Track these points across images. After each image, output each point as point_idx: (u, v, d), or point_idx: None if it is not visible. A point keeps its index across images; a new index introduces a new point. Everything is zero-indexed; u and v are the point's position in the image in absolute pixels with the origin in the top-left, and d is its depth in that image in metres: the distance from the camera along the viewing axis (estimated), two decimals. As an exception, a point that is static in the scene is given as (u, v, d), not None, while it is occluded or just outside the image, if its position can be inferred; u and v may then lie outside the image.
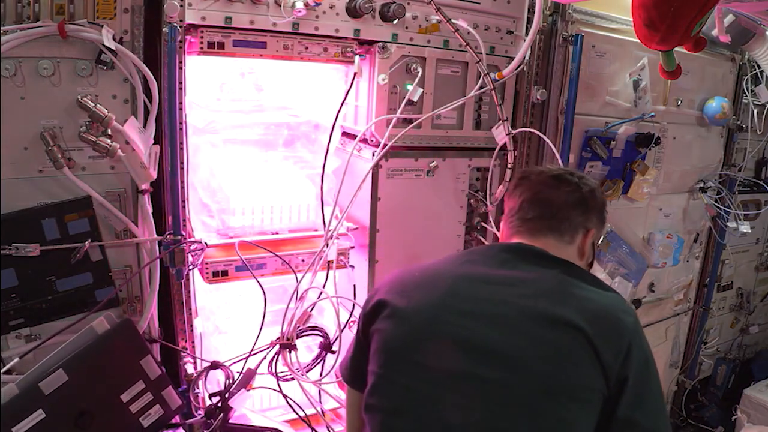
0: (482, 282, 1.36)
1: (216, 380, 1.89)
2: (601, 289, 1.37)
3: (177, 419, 1.75)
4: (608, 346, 1.22)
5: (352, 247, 2.04)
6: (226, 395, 1.78)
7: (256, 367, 1.85)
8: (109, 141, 1.58)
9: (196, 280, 1.90)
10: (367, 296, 1.53)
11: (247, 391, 1.83)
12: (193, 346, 1.87)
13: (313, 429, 1.97)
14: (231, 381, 1.81)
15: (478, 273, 1.39)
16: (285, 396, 1.89)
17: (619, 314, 1.29)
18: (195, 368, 1.85)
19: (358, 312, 2.03)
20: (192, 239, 1.76)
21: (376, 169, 1.97)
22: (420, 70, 1.97)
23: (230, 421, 1.82)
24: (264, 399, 2.11)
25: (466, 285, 1.37)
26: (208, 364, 1.83)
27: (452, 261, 1.52)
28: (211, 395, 1.80)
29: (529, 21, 2.15)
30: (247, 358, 1.85)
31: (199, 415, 1.77)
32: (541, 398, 1.19)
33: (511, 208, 1.55)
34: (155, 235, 1.71)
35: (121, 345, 1.54)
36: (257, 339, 1.85)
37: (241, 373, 1.83)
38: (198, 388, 1.83)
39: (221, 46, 1.70)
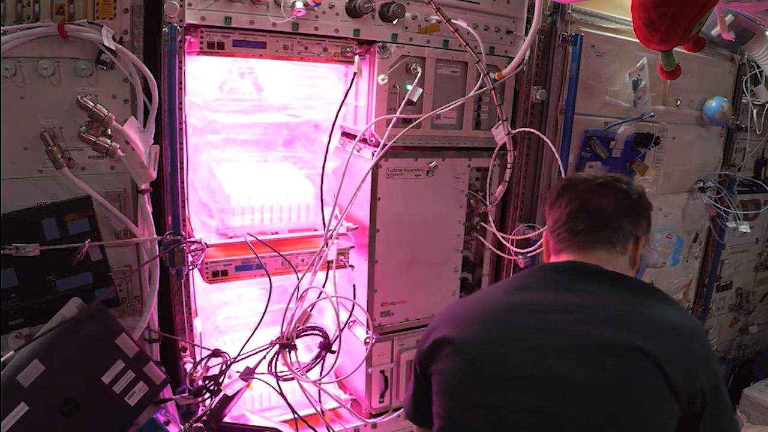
0: (537, 310, 1.31)
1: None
2: (666, 303, 1.33)
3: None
4: (678, 368, 1.19)
5: (352, 247, 2.04)
6: (221, 379, 1.79)
7: (255, 366, 1.85)
8: (108, 141, 1.58)
9: (196, 280, 1.90)
10: (423, 334, 1.47)
11: (245, 383, 1.84)
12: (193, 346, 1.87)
13: (312, 428, 1.98)
14: (227, 366, 1.81)
15: (532, 300, 1.34)
16: (283, 396, 1.89)
17: (688, 335, 1.25)
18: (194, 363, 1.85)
19: (358, 312, 2.05)
20: (192, 239, 1.77)
21: (375, 169, 1.97)
22: (420, 70, 1.98)
23: (230, 421, 1.83)
24: (264, 398, 2.12)
25: (522, 315, 1.32)
26: (209, 351, 1.84)
27: (503, 289, 1.46)
28: (204, 378, 1.80)
29: (529, 21, 2.15)
30: (237, 357, 1.85)
31: (187, 390, 1.78)
32: (614, 429, 1.17)
33: (557, 219, 1.46)
34: (155, 235, 1.72)
35: (93, 327, 1.54)
36: (256, 328, 1.85)
37: (228, 367, 1.83)
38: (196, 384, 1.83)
39: (221, 46, 1.71)
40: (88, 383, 1.52)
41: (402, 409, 2.18)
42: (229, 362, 1.82)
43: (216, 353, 1.84)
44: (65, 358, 1.49)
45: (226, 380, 1.84)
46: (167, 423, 1.62)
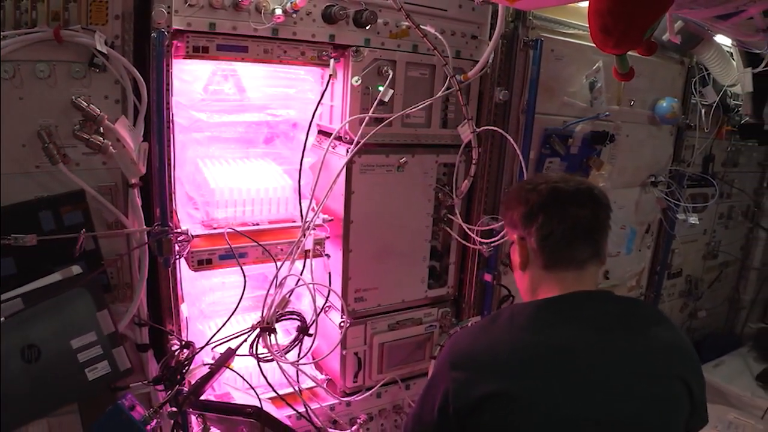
0: (584, 350, 1.34)
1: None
2: (667, 320, 1.48)
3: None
4: (697, 384, 1.38)
5: (328, 238, 2.12)
6: (184, 369, 1.83)
7: (236, 348, 1.92)
8: (101, 138, 1.66)
9: (183, 268, 1.98)
10: (455, 383, 1.36)
11: (227, 368, 1.91)
12: (179, 330, 1.97)
13: (291, 406, 2.08)
14: (190, 358, 1.87)
15: (573, 340, 1.36)
16: (264, 377, 1.98)
17: (695, 354, 1.44)
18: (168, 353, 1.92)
19: (333, 298, 2.14)
20: (178, 230, 1.85)
21: (349, 164, 2.06)
22: (391, 72, 2.05)
23: (213, 399, 1.91)
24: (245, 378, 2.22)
25: (573, 359, 1.33)
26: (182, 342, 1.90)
27: (529, 324, 1.40)
28: (167, 368, 1.84)
29: (493, 27, 2.23)
30: (202, 348, 1.93)
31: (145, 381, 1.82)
32: None
33: (548, 234, 1.45)
34: (144, 226, 1.79)
35: (81, 293, 1.59)
36: (229, 318, 1.93)
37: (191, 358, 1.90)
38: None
39: (206, 50, 1.79)
40: (57, 339, 1.55)
41: (374, 388, 2.33)
42: (192, 354, 1.88)
43: (186, 345, 1.90)
44: (45, 307, 1.53)
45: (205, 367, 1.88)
46: (132, 408, 1.62)
